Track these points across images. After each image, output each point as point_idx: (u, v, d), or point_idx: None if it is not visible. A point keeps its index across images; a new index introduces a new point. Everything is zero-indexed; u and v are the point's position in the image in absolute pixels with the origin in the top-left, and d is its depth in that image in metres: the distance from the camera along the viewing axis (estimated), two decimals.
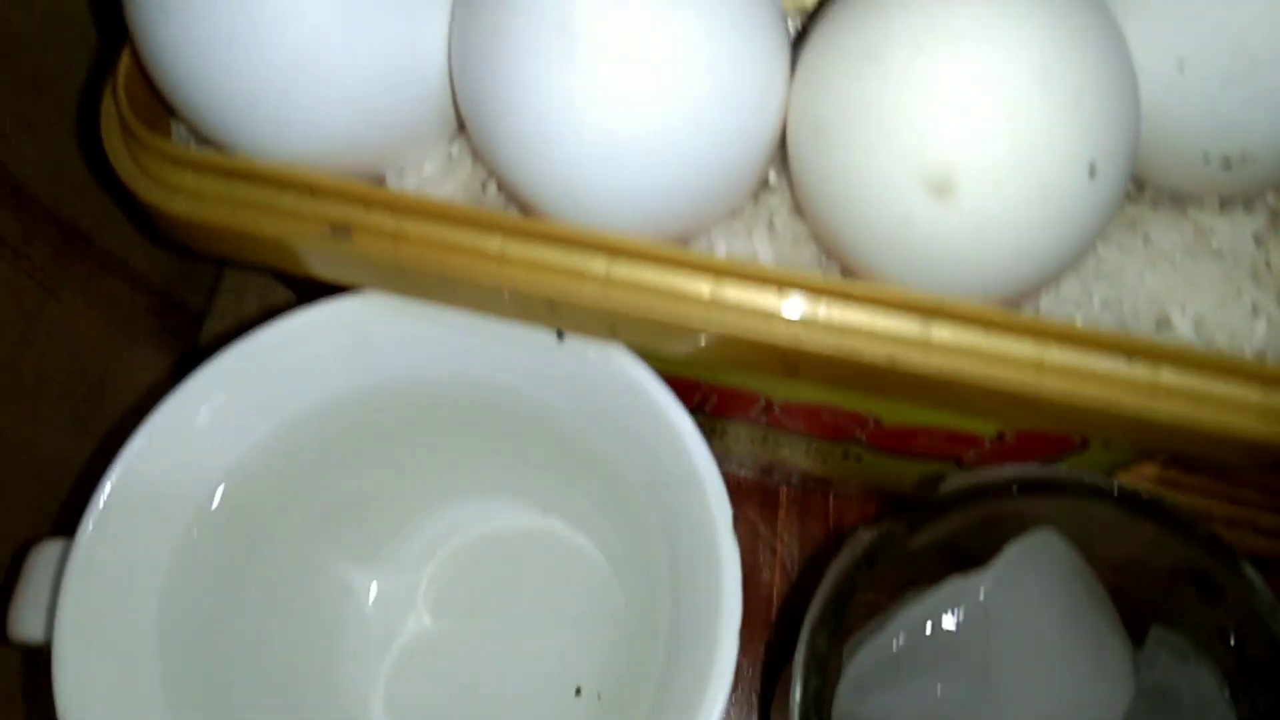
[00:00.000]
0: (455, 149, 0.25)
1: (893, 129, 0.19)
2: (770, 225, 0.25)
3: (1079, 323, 0.24)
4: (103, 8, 0.34)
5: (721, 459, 0.37)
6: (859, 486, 0.37)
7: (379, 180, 0.25)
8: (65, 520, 0.35)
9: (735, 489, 0.39)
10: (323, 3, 0.21)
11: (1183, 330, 0.24)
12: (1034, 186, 0.19)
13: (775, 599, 0.37)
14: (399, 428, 0.30)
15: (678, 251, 0.23)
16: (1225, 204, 0.25)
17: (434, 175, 0.25)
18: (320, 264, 0.25)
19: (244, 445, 0.27)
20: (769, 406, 0.30)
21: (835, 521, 0.38)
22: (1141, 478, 0.34)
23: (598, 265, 0.23)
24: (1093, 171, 0.19)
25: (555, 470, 0.32)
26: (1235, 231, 0.25)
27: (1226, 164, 0.23)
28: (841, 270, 0.24)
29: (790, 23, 0.26)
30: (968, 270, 0.21)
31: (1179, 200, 0.25)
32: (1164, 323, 0.24)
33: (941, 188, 0.19)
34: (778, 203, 0.25)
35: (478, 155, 0.24)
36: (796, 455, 0.35)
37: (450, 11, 0.23)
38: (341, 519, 0.32)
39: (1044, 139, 0.19)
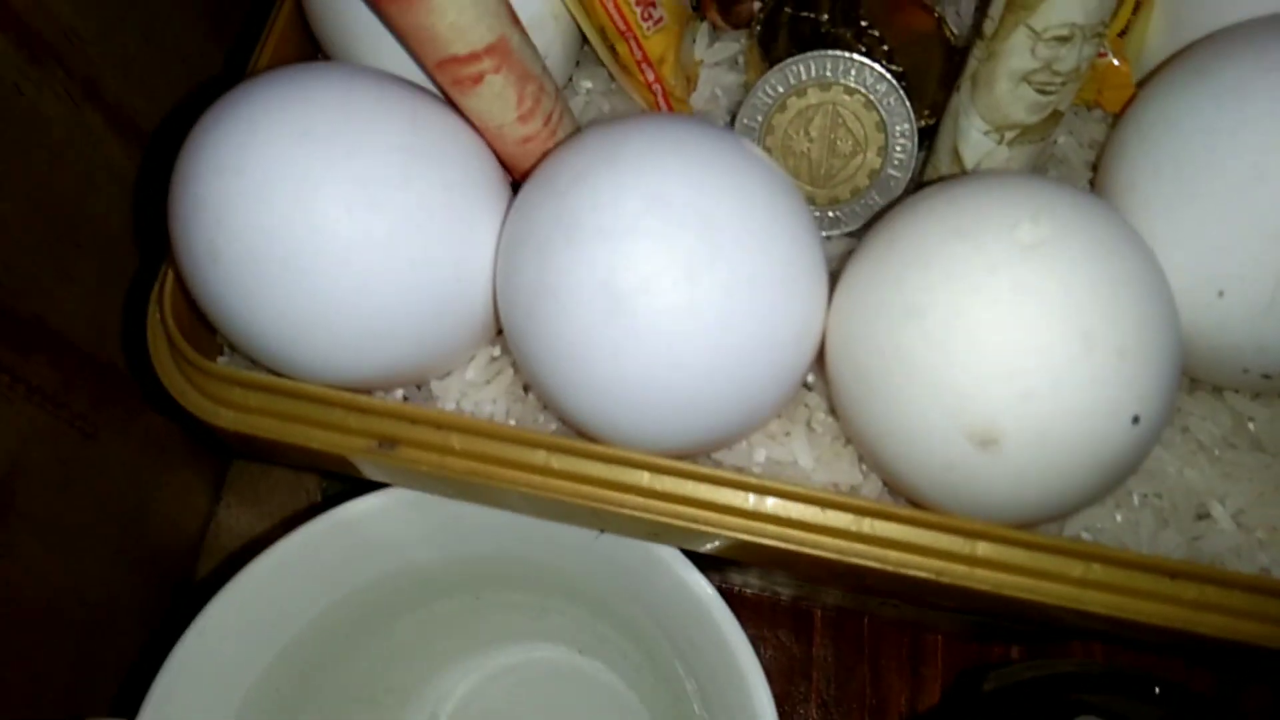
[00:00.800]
0: (496, 350, 0.26)
1: (935, 385, 0.20)
2: (809, 425, 0.25)
3: (1119, 519, 0.24)
4: (145, 163, 0.34)
5: (756, 586, 0.38)
6: (895, 617, 0.37)
7: (422, 383, 0.26)
8: (123, 677, 0.35)
9: (769, 610, 0.39)
10: (373, 250, 0.21)
11: (1223, 525, 0.24)
12: (1077, 439, 0.19)
13: None
14: (435, 594, 0.31)
15: (718, 472, 0.23)
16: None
17: (476, 379, 0.25)
18: (368, 471, 0.25)
19: (290, 631, 0.28)
20: None
21: (870, 649, 0.38)
22: None
23: (641, 478, 0.23)
24: (1135, 420, 0.20)
25: (592, 629, 0.32)
26: (1274, 417, 0.25)
27: (1266, 376, 0.23)
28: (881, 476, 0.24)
29: (823, 214, 0.27)
30: (1011, 506, 0.21)
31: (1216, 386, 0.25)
32: (1203, 516, 0.24)
33: (985, 441, 0.19)
34: (816, 402, 0.25)
35: (519, 369, 0.25)
36: (831, 596, 0.35)
37: (495, 243, 0.23)
38: (377, 690, 0.33)
39: (1088, 399, 0.19)
